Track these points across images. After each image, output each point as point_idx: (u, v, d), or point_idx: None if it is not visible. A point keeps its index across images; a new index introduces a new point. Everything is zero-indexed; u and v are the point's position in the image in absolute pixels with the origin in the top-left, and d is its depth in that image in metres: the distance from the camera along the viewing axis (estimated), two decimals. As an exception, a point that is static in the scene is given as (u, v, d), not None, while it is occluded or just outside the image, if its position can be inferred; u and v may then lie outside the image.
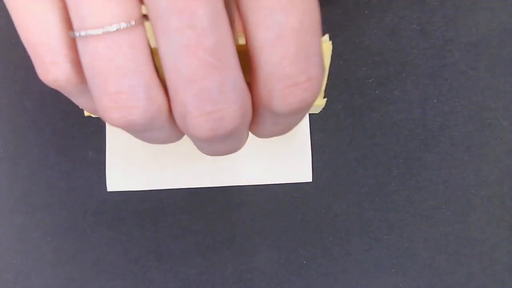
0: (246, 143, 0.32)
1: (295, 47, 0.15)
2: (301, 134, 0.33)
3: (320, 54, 0.16)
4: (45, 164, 0.31)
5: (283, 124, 0.18)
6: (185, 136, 0.31)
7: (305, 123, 0.33)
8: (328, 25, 0.33)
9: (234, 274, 0.32)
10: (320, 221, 0.33)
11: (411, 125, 0.34)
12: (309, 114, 0.33)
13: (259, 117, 0.18)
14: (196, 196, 0.32)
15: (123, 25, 0.15)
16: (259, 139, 0.32)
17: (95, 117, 0.32)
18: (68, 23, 0.16)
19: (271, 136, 0.19)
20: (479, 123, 0.34)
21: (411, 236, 0.33)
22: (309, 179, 0.32)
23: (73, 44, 0.16)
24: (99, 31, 0.15)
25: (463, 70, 0.34)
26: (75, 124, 0.32)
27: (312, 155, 0.33)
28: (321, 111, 0.33)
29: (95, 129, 0.32)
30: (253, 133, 0.20)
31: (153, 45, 0.16)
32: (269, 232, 0.32)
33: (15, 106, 0.32)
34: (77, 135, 0.32)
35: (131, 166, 0.31)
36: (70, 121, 0.32)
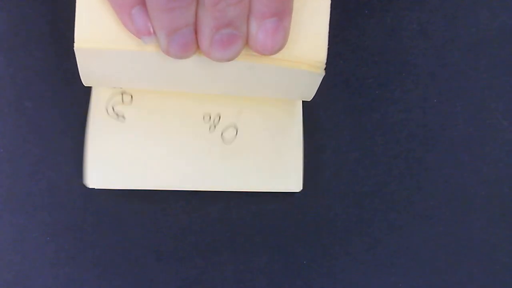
0: (236, 149, 0.32)
1: None
2: (293, 145, 0.32)
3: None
4: (45, 164, 0.31)
5: None
6: (173, 138, 0.31)
7: (298, 141, 0.32)
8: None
9: (234, 274, 0.32)
10: (320, 221, 0.33)
11: (411, 125, 0.34)
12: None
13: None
14: (197, 196, 0.32)
15: None
16: (250, 146, 0.32)
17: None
18: None
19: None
20: (479, 123, 0.34)
21: (411, 236, 0.33)
22: (299, 189, 0.32)
23: None
24: None
25: (463, 70, 0.34)
26: (75, 125, 0.32)
27: (311, 155, 0.33)
28: (320, 111, 0.33)
29: (95, 129, 0.32)
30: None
31: None
32: (269, 232, 0.32)
33: (15, 106, 0.32)
34: (78, 135, 0.32)
35: (114, 164, 0.31)
36: (70, 121, 0.32)
